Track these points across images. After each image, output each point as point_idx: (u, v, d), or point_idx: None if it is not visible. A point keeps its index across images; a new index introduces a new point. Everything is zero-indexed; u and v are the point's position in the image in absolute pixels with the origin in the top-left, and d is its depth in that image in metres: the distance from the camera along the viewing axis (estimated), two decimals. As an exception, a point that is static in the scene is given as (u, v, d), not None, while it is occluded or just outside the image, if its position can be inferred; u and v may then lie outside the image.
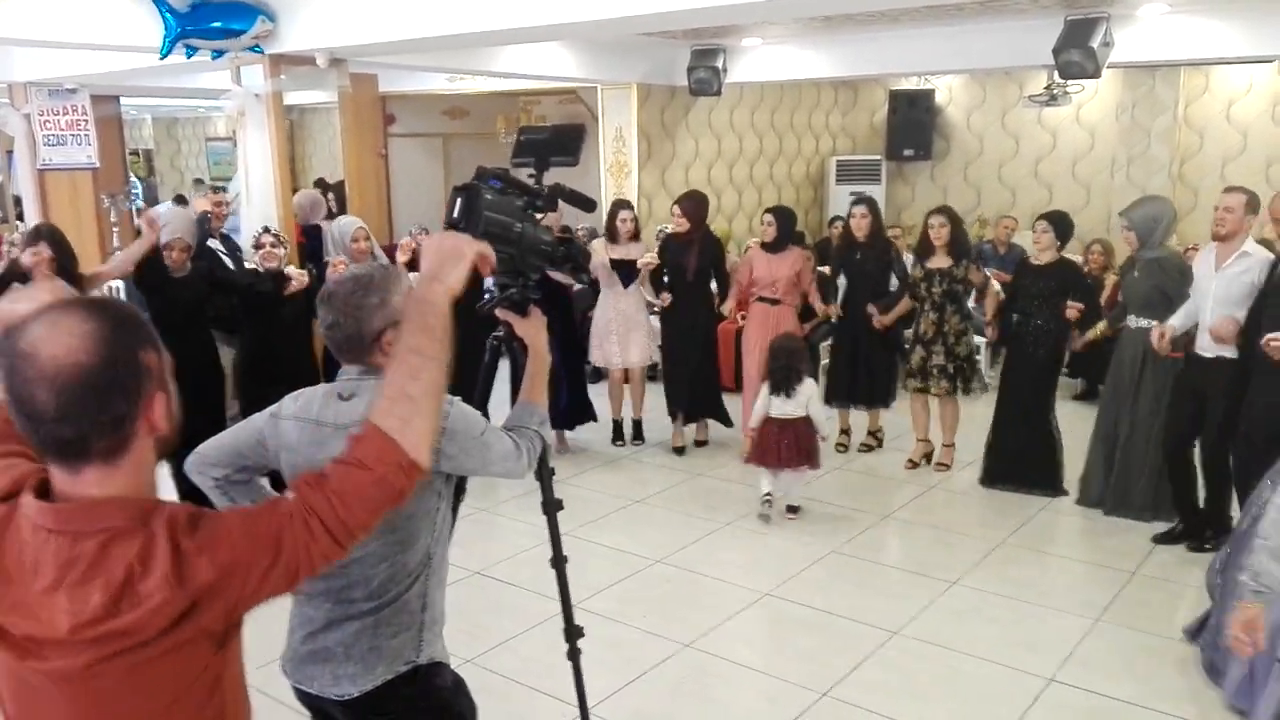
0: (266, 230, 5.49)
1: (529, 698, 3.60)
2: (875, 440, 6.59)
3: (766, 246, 6.24)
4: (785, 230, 6.22)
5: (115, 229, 9.30)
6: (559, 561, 2.67)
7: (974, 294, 6.35)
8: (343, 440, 1.96)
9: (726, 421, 6.59)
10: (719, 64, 8.16)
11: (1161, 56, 7.32)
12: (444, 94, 10.04)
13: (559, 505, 2.65)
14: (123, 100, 9.94)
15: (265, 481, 2.30)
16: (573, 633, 2.69)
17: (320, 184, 9.06)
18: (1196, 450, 4.89)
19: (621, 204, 6.54)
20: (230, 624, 1.31)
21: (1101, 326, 5.58)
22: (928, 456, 6.21)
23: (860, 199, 6.41)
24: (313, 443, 2.03)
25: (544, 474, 2.59)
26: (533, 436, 2.19)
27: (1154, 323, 4.98)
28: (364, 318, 2.02)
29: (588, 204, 2.44)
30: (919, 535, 5.20)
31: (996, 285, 6.42)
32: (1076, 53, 6.45)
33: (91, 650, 1.22)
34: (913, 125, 10.14)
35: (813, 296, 6.28)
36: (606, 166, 8.78)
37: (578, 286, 6.11)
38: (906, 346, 6.29)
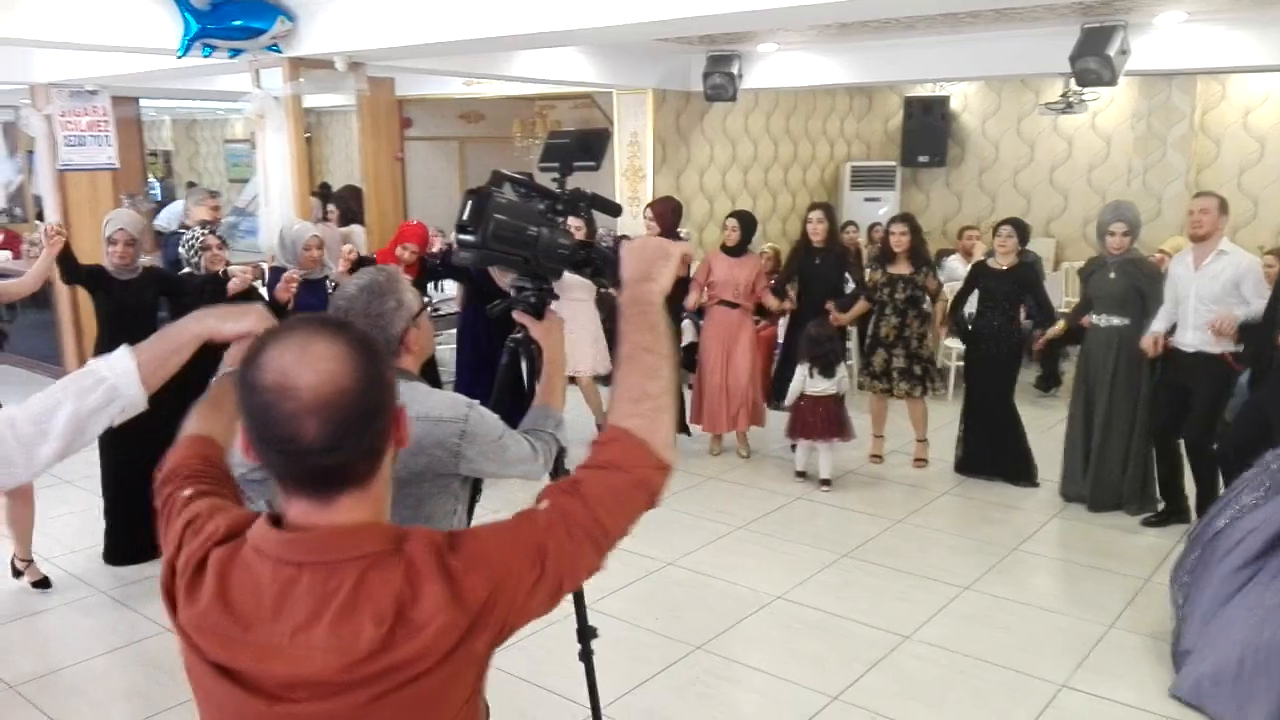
0: (212, 231, 5.18)
1: (541, 698, 3.63)
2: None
3: (728, 250, 6.34)
4: (748, 234, 6.34)
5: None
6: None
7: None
8: None
9: (681, 428, 6.49)
10: (734, 70, 8.18)
11: (1178, 65, 7.30)
12: (460, 98, 10.09)
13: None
14: (142, 102, 10.03)
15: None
16: (586, 633, 2.71)
17: (321, 190, 9.10)
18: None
19: None
20: (494, 646, 1.23)
21: (1060, 325, 5.93)
22: (885, 450, 6.43)
23: (815, 205, 6.66)
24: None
25: (559, 477, 2.61)
26: (549, 439, 2.21)
27: (1125, 321, 5.27)
28: (386, 324, 2.04)
29: (613, 208, 2.45)
30: (931, 540, 5.20)
31: (946, 293, 6.56)
32: (1093, 60, 6.44)
33: (367, 688, 1.13)
34: (928, 132, 10.14)
35: (765, 298, 6.39)
36: (622, 171, 8.80)
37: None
38: (864, 348, 6.56)
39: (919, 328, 6.13)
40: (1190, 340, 4.95)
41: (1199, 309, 4.88)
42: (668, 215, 6.43)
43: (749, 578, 4.71)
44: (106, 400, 1.56)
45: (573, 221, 6.09)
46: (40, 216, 9.19)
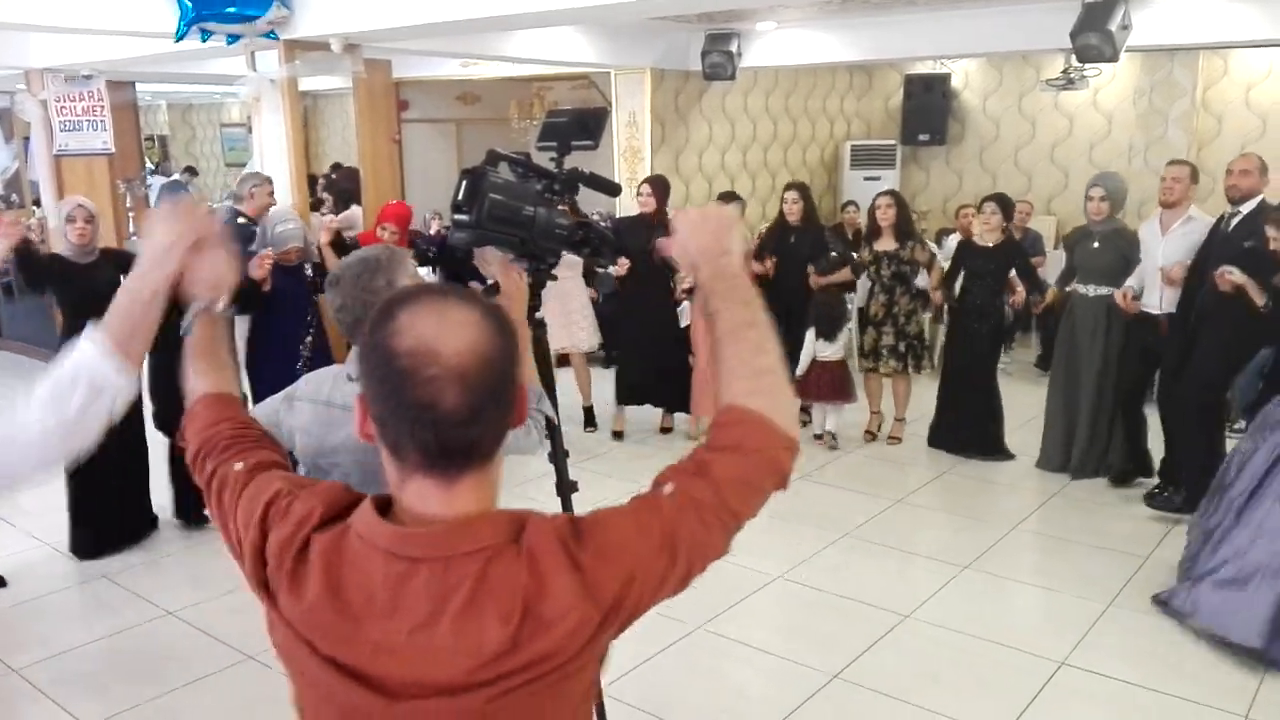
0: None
1: (543, 679, 3.64)
2: (805, 417, 6.75)
3: None
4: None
5: (131, 214, 9.34)
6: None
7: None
8: (353, 421, 1.99)
9: (683, 406, 6.49)
10: (733, 48, 8.13)
11: (1180, 40, 7.24)
12: (457, 80, 10.04)
13: (574, 487, 2.67)
14: (138, 86, 9.98)
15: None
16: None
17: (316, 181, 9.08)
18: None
19: None
20: (617, 636, 1.17)
21: (1053, 292, 6.06)
22: (880, 427, 6.49)
23: (791, 185, 6.66)
24: (323, 424, 2.06)
25: (558, 456, 2.61)
26: (535, 414, 2.20)
27: (1113, 290, 5.36)
28: (371, 300, 2.04)
29: (611, 188, 2.43)
30: (932, 519, 5.21)
31: (940, 261, 6.58)
32: (1094, 36, 6.39)
33: (493, 688, 1.08)
34: (928, 110, 10.08)
35: (749, 266, 6.40)
36: (620, 152, 8.76)
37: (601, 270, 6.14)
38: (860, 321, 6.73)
39: (907, 304, 6.17)
40: (1157, 302, 5.17)
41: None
42: (664, 192, 6.45)
43: (750, 557, 4.71)
44: (89, 401, 1.44)
45: (644, 190, 6.14)
46: (37, 203, 9.17)
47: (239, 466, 1.30)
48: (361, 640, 1.10)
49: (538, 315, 2.53)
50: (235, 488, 1.27)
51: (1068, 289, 5.75)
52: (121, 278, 4.82)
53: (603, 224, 7.68)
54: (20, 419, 1.43)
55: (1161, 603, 4.08)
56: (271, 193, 5.96)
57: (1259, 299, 4.48)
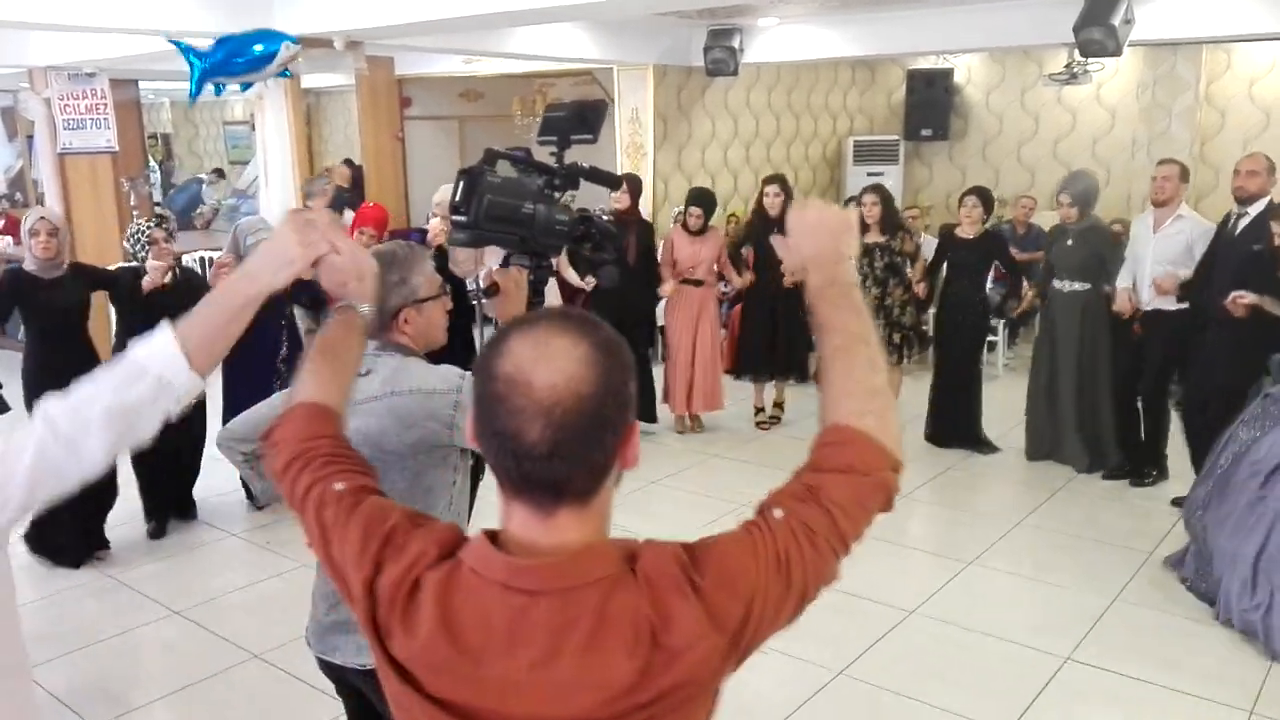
0: (159, 223, 4.86)
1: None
2: (779, 413, 6.81)
3: (690, 230, 6.43)
4: (709, 214, 6.47)
5: (135, 213, 9.36)
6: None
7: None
8: (359, 415, 1.99)
9: (648, 416, 6.50)
10: (735, 44, 8.12)
11: (1183, 34, 7.23)
12: (460, 76, 10.03)
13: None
14: (141, 84, 9.98)
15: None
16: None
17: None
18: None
19: None
20: (735, 669, 1.14)
21: (1032, 293, 6.19)
22: None
23: (771, 178, 6.63)
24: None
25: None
26: None
27: (1086, 286, 5.52)
28: (383, 295, 2.04)
29: (613, 181, 2.43)
30: (937, 515, 5.21)
31: (925, 251, 6.65)
32: (1097, 30, 6.37)
33: None
34: (931, 105, 10.06)
35: (727, 271, 6.52)
36: (623, 148, 8.76)
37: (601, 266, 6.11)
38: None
39: (901, 295, 6.21)
40: (1146, 299, 5.25)
41: (1155, 269, 5.17)
42: (638, 191, 6.55)
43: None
44: (155, 393, 1.40)
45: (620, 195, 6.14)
46: (41, 201, 9.18)
47: (339, 487, 1.25)
48: (480, 679, 1.06)
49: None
50: (339, 509, 1.22)
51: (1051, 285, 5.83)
52: (90, 295, 4.65)
53: (605, 219, 7.69)
54: (86, 391, 1.40)
55: (1190, 579, 4.17)
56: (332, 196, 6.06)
57: (1277, 311, 4.45)
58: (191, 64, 5.58)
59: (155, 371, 1.39)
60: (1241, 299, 4.49)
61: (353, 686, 2.17)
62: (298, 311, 5.26)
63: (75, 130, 7.77)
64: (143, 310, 4.59)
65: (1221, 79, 8.68)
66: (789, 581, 1.11)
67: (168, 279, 4.63)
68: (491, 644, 1.06)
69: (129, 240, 4.81)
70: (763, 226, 6.55)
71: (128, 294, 4.63)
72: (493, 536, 1.11)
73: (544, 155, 2.34)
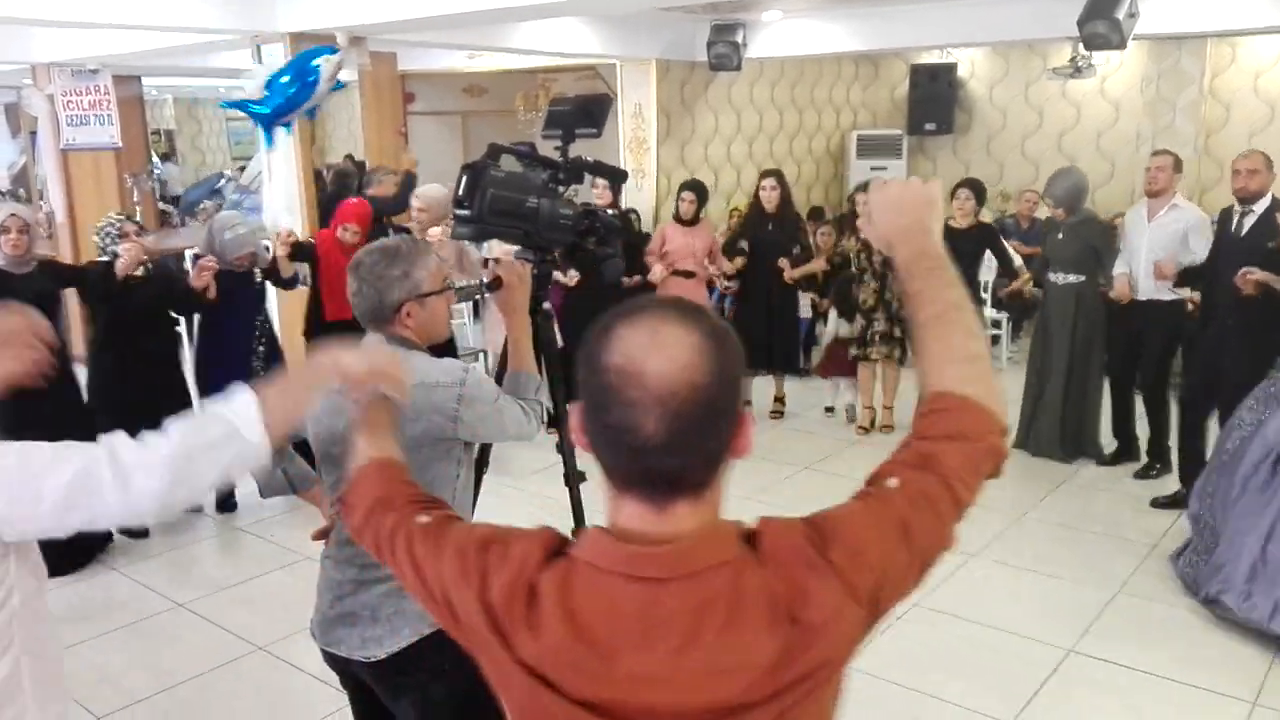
0: (129, 218, 4.89)
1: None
2: (780, 407, 6.80)
3: (682, 221, 6.41)
4: (702, 204, 6.47)
5: (138, 209, 9.36)
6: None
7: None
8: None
9: None
10: (739, 39, 8.11)
11: (1187, 27, 7.22)
12: (463, 72, 10.04)
13: (582, 477, 2.68)
14: (144, 80, 9.99)
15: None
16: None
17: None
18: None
19: None
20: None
21: (1025, 277, 6.32)
22: (873, 422, 6.51)
23: (768, 172, 6.63)
24: (333, 411, 2.07)
25: (565, 446, 2.62)
26: (533, 404, 2.21)
27: (1081, 278, 5.59)
28: (385, 288, 2.05)
29: (617, 174, 2.44)
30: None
31: None
32: (1101, 24, 6.36)
33: (777, 703, 1.03)
34: (934, 99, 10.04)
35: (718, 262, 6.50)
36: (626, 143, 8.75)
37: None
38: (818, 321, 6.86)
39: (900, 289, 6.18)
40: (1143, 288, 5.31)
41: (1150, 258, 5.20)
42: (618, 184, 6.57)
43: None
44: (224, 437, 1.41)
45: (600, 182, 6.10)
46: (44, 198, 9.19)
47: (424, 519, 1.26)
48: (616, 674, 1.03)
49: (544, 306, 2.54)
50: (428, 540, 1.22)
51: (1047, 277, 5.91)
52: (60, 292, 4.62)
53: (610, 213, 7.68)
54: (158, 435, 1.41)
55: (1187, 571, 4.16)
56: (398, 183, 6.04)
57: None
58: (254, 116, 5.85)
59: (229, 419, 1.42)
60: (1251, 274, 4.48)
61: (357, 679, 2.18)
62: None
63: (78, 126, 7.78)
64: (117, 302, 4.61)
65: (1226, 72, 8.66)
66: (911, 549, 1.11)
67: (140, 271, 4.65)
68: (623, 637, 1.03)
69: (98, 235, 4.78)
70: (759, 220, 6.56)
71: (100, 286, 4.58)
72: (604, 531, 1.09)
73: (549, 150, 2.35)
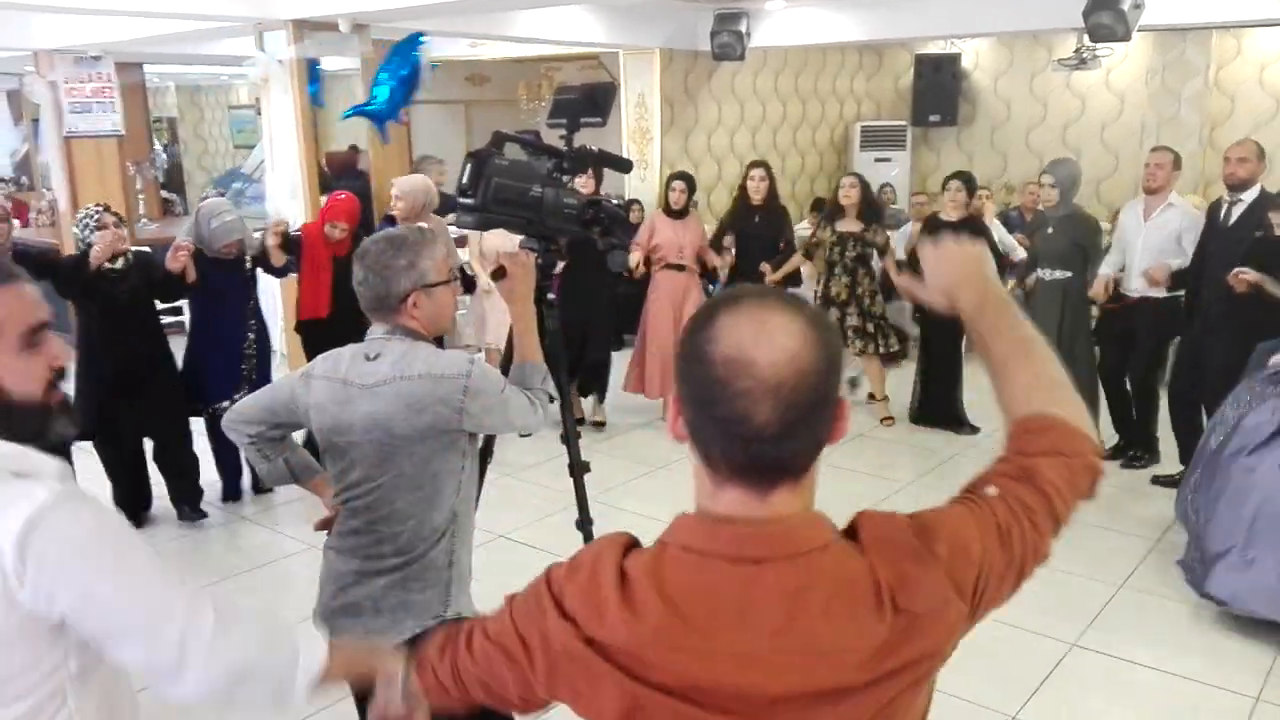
0: (107, 209, 4.77)
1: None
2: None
3: (672, 212, 6.31)
4: (691, 192, 6.39)
5: (141, 197, 9.35)
6: (585, 524, 2.69)
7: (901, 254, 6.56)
8: (369, 399, 2.00)
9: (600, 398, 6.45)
10: (742, 28, 8.07)
11: (1193, 19, 7.17)
12: (466, 60, 10.01)
13: (586, 467, 2.67)
14: (146, 68, 9.97)
15: (299, 437, 2.33)
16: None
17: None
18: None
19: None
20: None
21: (1012, 283, 6.18)
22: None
23: (756, 163, 6.57)
24: (339, 401, 2.06)
25: (570, 437, 2.61)
26: (540, 394, 2.20)
27: (1068, 274, 5.57)
28: (391, 277, 2.04)
29: (622, 164, 2.42)
30: (940, 501, 5.20)
31: (897, 249, 6.67)
32: (1106, 15, 6.32)
33: (874, 692, 1.04)
34: (938, 90, 10.01)
35: (708, 256, 6.42)
36: (629, 133, 8.73)
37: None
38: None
39: (869, 285, 6.27)
40: (1136, 286, 5.32)
41: (1145, 257, 5.23)
42: (602, 173, 6.48)
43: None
44: (284, 674, 1.37)
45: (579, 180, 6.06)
46: (47, 185, 9.18)
47: (490, 619, 1.27)
48: (717, 653, 1.03)
49: (549, 296, 2.53)
50: (496, 620, 1.24)
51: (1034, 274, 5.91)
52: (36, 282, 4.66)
53: (615, 203, 7.66)
54: (245, 630, 1.35)
55: (1188, 569, 4.14)
56: (444, 172, 6.01)
57: (1277, 293, 4.50)
58: (372, 117, 6.39)
59: (298, 662, 1.38)
60: (1244, 275, 4.55)
61: (361, 669, 2.18)
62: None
63: (81, 114, 7.76)
64: (100, 294, 4.53)
65: (1231, 64, 8.62)
66: (1010, 554, 1.12)
67: (119, 264, 4.58)
68: (722, 618, 1.03)
69: (78, 225, 4.72)
70: (745, 212, 6.52)
71: (73, 277, 4.50)
72: (699, 518, 1.10)
73: (554, 139, 2.33)
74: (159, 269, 4.78)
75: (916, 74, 10.15)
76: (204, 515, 5.01)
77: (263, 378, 4.94)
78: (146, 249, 5.07)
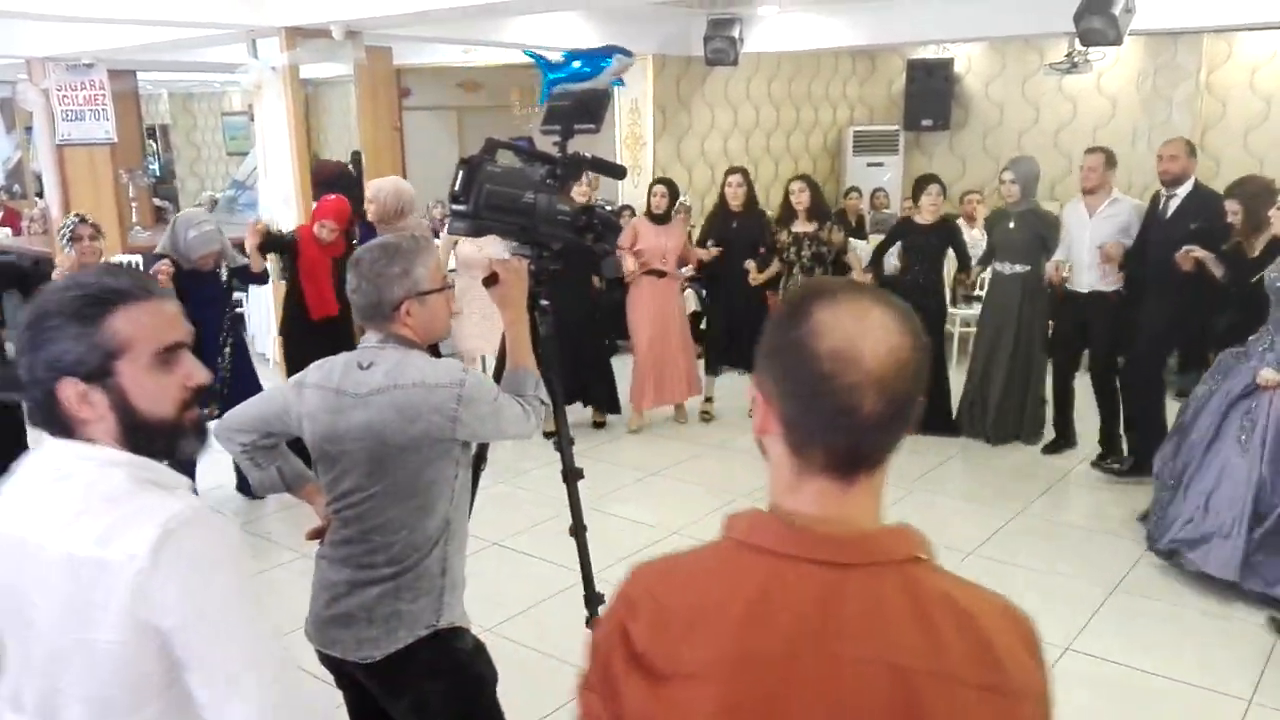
0: (83, 220, 4.78)
1: (548, 665, 3.64)
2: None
3: (655, 218, 6.32)
4: (674, 198, 6.42)
5: (134, 204, 9.34)
6: (579, 530, 2.69)
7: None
8: (362, 408, 2.00)
9: (612, 408, 6.44)
10: (735, 33, 8.09)
11: (1184, 23, 7.21)
12: (458, 67, 10.01)
13: (579, 474, 2.67)
14: (139, 75, 9.96)
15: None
16: (593, 600, 2.72)
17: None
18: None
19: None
20: None
21: (976, 271, 6.54)
22: None
23: (734, 169, 6.62)
24: (332, 410, 2.06)
25: (563, 443, 2.61)
26: (533, 400, 2.20)
27: (1027, 268, 5.80)
28: (384, 285, 2.04)
29: (615, 170, 2.42)
30: (934, 506, 5.20)
31: (858, 247, 6.84)
32: (1098, 19, 6.35)
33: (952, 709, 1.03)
34: (931, 95, 10.04)
35: (692, 257, 6.48)
36: (622, 138, 8.74)
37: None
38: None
39: None
40: (1086, 281, 5.55)
41: (1094, 251, 5.44)
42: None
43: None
44: None
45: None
46: (40, 193, 9.17)
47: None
48: (796, 664, 1.01)
49: (542, 303, 2.53)
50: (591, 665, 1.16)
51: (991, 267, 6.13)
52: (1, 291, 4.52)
53: (609, 209, 7.68)
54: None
55: (1152, 541, 4.42)
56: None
57: (1218, 271, 4.80)
58: (541, 69, 6.51)
59: None
60: (1194, 253, 4.82)
61: (354, 679, 2.17)
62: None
63: (74, 121, 7.75)
64: None
65: (1222, 68, 8.66)
66: None
67: None
68: (805, 624, 1.01)
69: (59, 235, 4.69)
70: (725, 217, 6.53)
71: (30, 279, 4.50)
72: (771, 516, 1.09)
73: (547, 146, 2.33)
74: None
75: (909, 79, 10.18)
76: None
77: (239, 392, 4.94)
78: (137, 257, 5.04)
